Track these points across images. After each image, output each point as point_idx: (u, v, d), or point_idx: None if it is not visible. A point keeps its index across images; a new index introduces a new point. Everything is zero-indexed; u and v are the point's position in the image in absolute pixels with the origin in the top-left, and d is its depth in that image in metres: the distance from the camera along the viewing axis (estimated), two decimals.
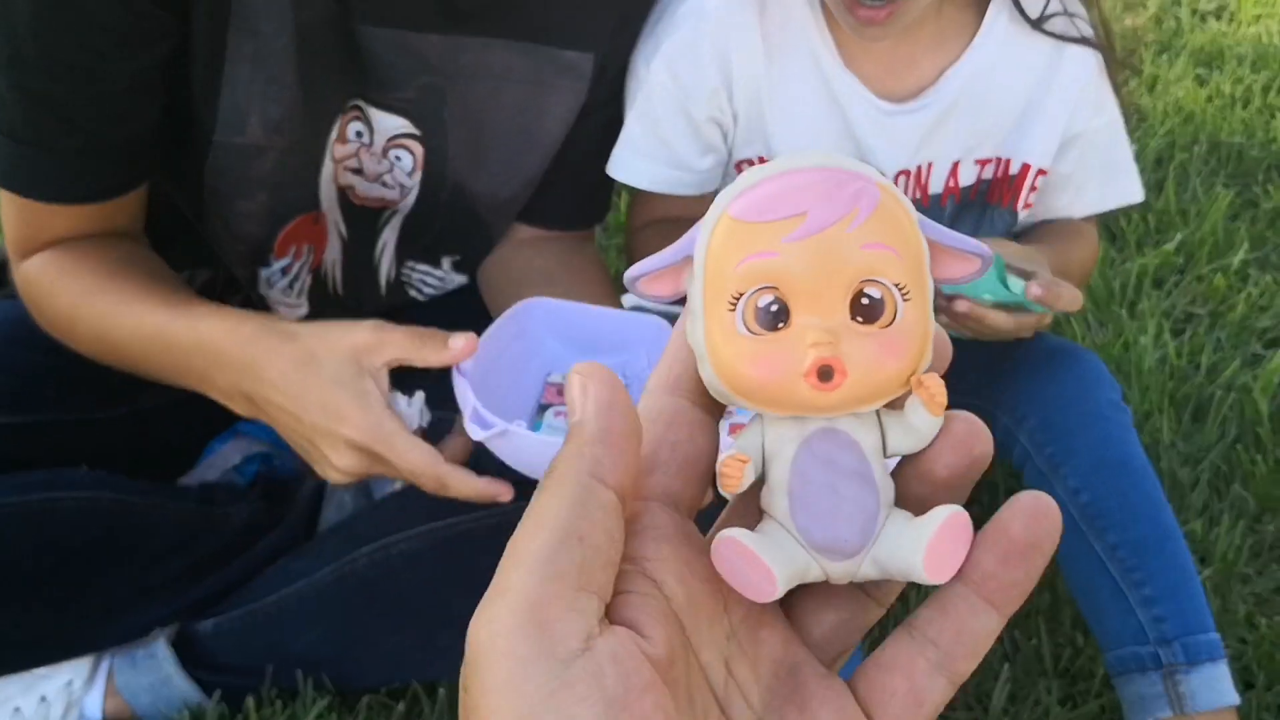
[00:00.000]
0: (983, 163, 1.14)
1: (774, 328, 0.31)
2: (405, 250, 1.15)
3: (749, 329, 0.31)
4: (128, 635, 1.04)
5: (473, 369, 0.90)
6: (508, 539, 1.01)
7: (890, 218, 0.31)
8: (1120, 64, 1.15)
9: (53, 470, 1.03)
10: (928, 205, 1.14)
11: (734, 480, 0.32)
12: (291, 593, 1.05)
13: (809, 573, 0.32)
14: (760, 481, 0.33)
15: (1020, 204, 1.17)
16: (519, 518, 1.06)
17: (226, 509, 1.10)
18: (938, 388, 0.32)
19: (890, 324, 0.31)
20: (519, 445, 0.87)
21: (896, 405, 0.33)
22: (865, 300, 0.31)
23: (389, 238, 1.14)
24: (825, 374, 0.31)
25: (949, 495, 0.33)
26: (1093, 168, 1.18)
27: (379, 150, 1.05)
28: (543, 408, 0.99)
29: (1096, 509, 1.08)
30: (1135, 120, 1.20)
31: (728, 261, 0.31)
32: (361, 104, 1.02)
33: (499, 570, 0.30)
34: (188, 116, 0.96)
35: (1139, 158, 1.41)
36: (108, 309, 0.97)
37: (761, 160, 1.12)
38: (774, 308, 0.31)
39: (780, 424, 0.32)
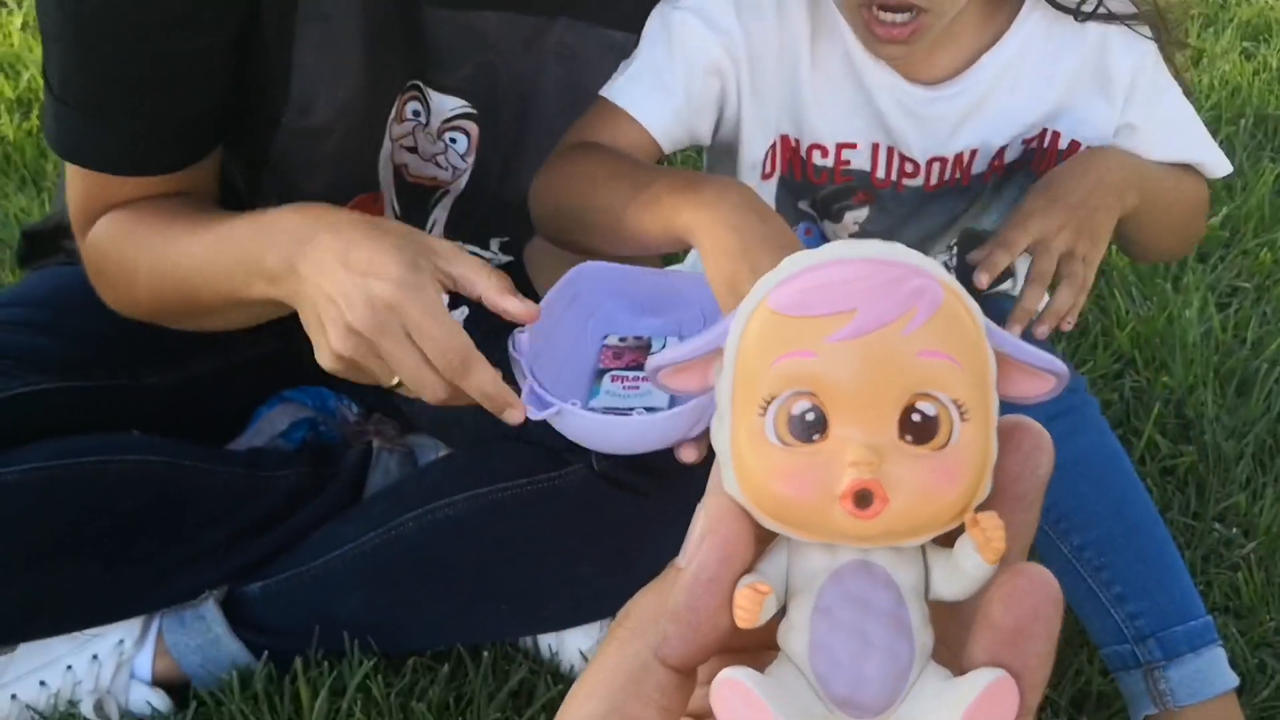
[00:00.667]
0: (1029, 141, 1.10)
1: (809, 439, 0.27)
2: (455, 232, 1.16)
3: (780, 439, 0.27)
4: (177, 597, 1.06)
5: (528, 347, 0.90)
6: (551, 506, 1.02)
7: (953, 322, 0.28)
8: (1171, 40, 1.09)
9: (104, 435, 1.04)
10: (967, 184, 1.12)
11: (751, 615, 0.28)
12: (338, 557, 1.06)
13: None
14: (781, 614, 0.29)
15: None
16: (565, 485, 1.07)
17: (274, 474, 1.11)
18: (995, 530, 0.27)
19: (944, 446, 0.27)
20: (577, 423, 0.88)
21: (945, 540, 0.29)
22: (917, 417, 0.27)
23: (439, 217, 1.15)
24: (864, 499, 0.27)
25: (1001, 506, 0.29)
26: (1167, 150, 1.10)
27: (434, 131, 1.06)
28: (600, 372, 0.99)
29: (1057, 513, 1.06)
30: (1182, 30, 1.16)
31: (761, 359, 0.28)
32: (420, 85, 1.03)
33: None
34: (253, 98, 0.98)
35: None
36: (165, 240, 0.97)
37: (786, 140, 1.09)
38: (810, 416, 0.27)
39: (808, 551, 0.29)
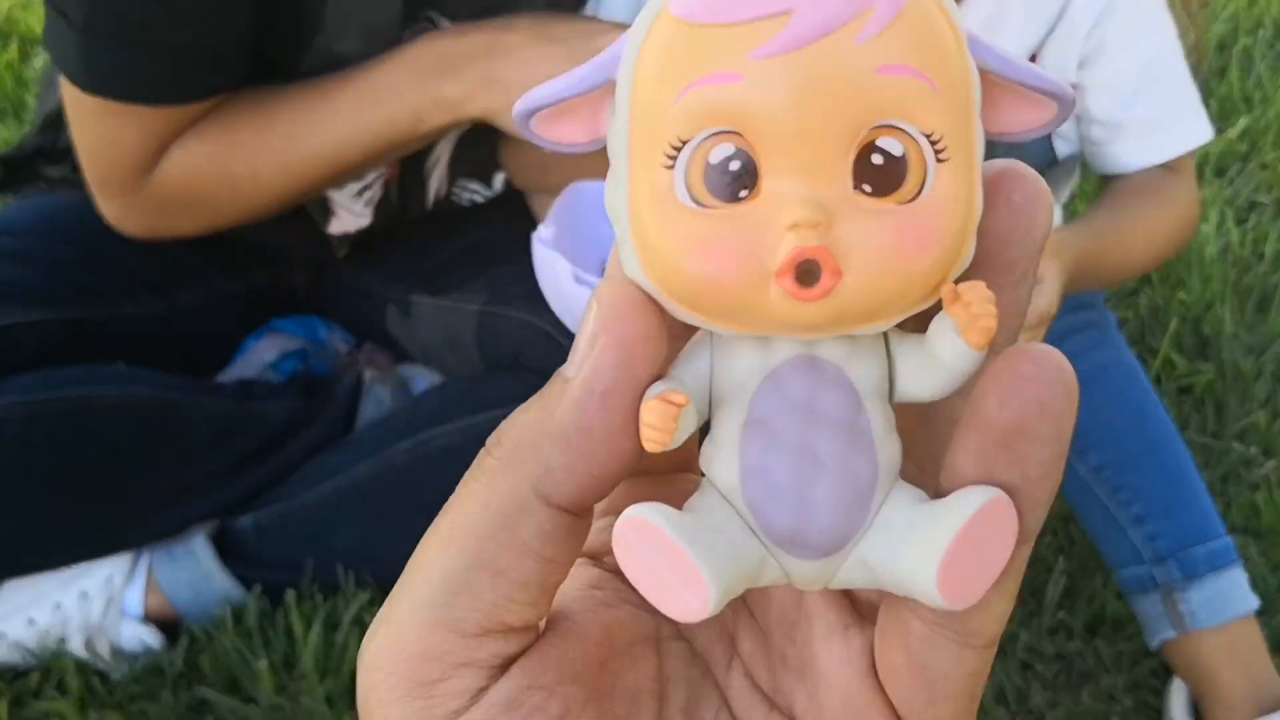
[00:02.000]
0: None
1: (734, 197, 0.20)
2: (459, 167, 1.12)
3: (695, 198, 0.20)
4: (166, 531, 1.03)
5: (553, 238, 0.86)
6: None
7: (925, 26, 0.20)
8: None
9: (87, 366, 1.01)
10: None
11: (662, 434, 0.21)
12: (330, 488, 1.04)
13: (762, 574, 0.22)
14: (704, 431, 0.23)
15: None
16: None
17: (264, 405, 1.08)
18: (983, 305, 0.20)
19: (915, 198, 0.20)
20: None
21: (913, 325, 0.22)
22: (878, 158, 0.20)
23: (442, 153, 1.11)
24: (808, 274, 0.20)
25: (990, 450, 0.21)
26: (1143, 109, 1.04)
27: None
28: None
29: (1076, 430, 1.02)
30: (1199, 3, 1.10)
31: (665, 88, 0.20)
32: (433, 14, 0.99)
33: (397, 586, 0.23)
34: (283, 22, 0.93)
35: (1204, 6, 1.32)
36: (288, 132, 0.93)
37: None
38: (734, 165, 0.20)
39: (737, 347, 0.22)
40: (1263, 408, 1.26)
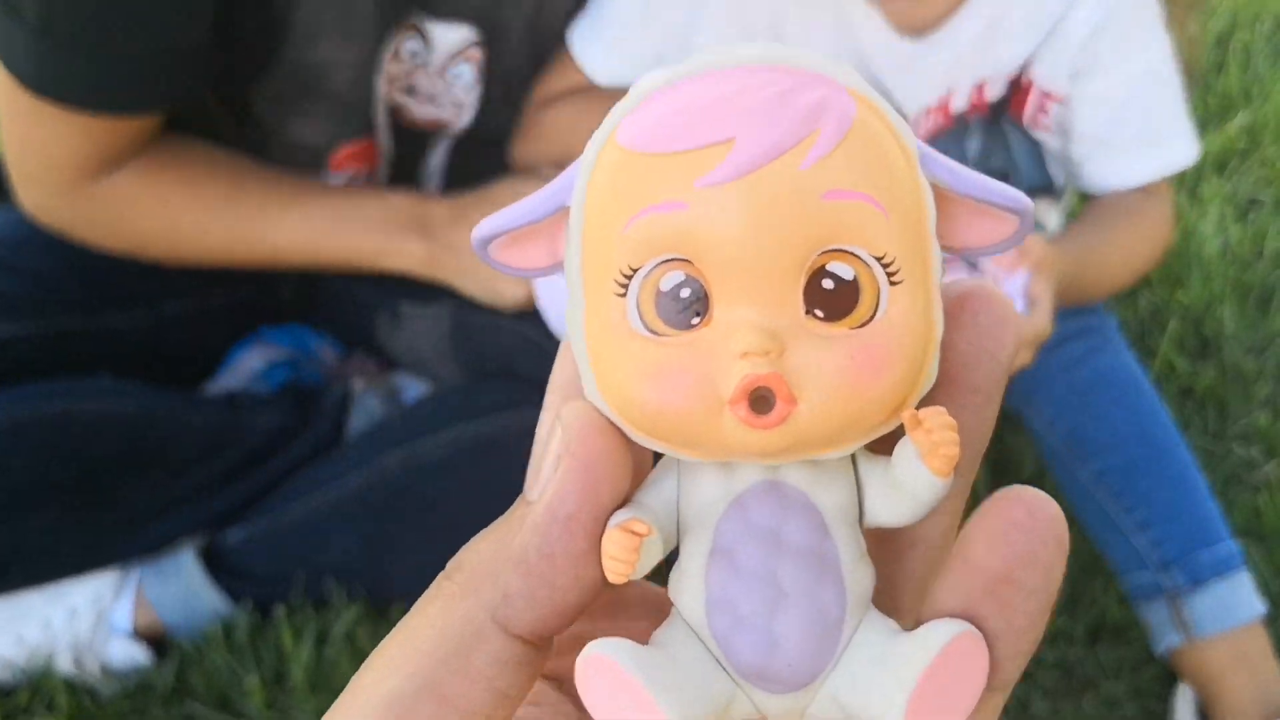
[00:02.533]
0: (1013, 79, 1.04)
1: (687, 324, 0.20)
2: (453, 178, 1.10)
3: (648, 326, 0.20)
4: (154, 545, 1.02)
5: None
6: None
7: (872, 147, 0.20)
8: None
9: (72, 379, 1.00)
10: (951, 126, 1.06)
11: (625, 565, 0.20)
12: (320, 500, 1.02)
13: (732, 710, 0.21)
14: (670, 560, 0.22)
15: (1026, 118, 1.04)
16: None
17: (251, 417, 1.07)
18: (944, 432, 0.20)
19: (869, 321, 0.20)
20: None
21: (882, 446, 0.21)
22: (829, 283, 0.20)
23: (436, 165, 1.10)
24: (761, 402, 0.19)
25: (954, 400, 0.22)
26: (1131, 128, 1.03)
27: (437, 69, 1.00)
28: None
29: (1076, 436, 1.01)
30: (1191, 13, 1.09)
31: (615, 217, 0.20)
32: (419, 20, 0.97)
33: (336, 704, 0.22)
34: (250, 30, 0.91)
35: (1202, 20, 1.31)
36: (260, 209, 0.97)
37: None
38: (685, 292, 0.20)
39: (701, 472, 0.21)
40: (1264, 408, 1.25)
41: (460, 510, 1.00)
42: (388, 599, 1.05)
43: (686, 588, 0.21)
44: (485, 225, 0.22)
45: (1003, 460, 1.19)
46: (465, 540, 0.22)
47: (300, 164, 1.01)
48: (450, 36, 1.00)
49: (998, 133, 1.06)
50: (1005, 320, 0.22)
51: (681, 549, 0.21)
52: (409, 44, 0.99)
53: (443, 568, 0.23)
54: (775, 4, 1.00)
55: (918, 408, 0.20)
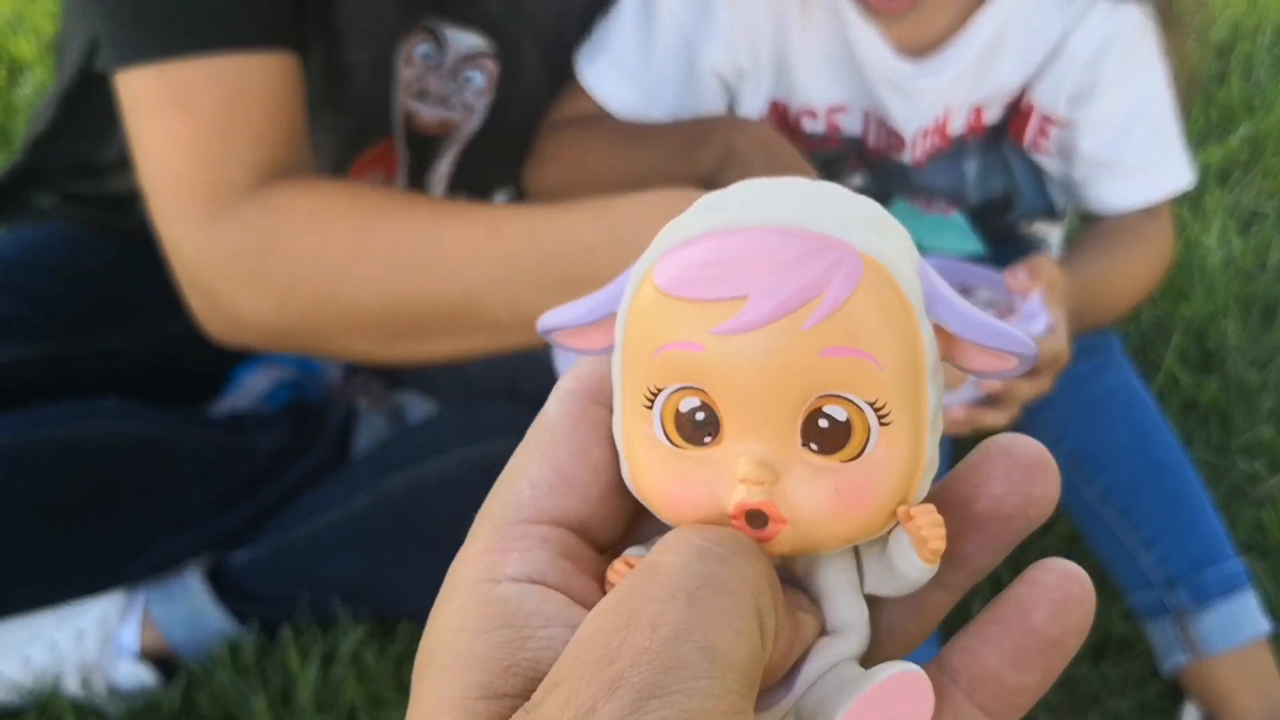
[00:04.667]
0: (1010, 102, 1.04)
1: (700, 441, 0.23)
2: (460, 182, 1.11)
3: (669, 438, 0.24)
4: (160, 566, 1.02)
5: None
6: None
7: (873, 307, 0.23)
8: (1174, 20, 1.02)
9: (75, 402, 1.00)
10: (948, 148, 1.06)
11: None
12: (326, 521, 1.03)
13: None
14: None
15: (1026, 141, 1.05)
16: None
17: (255, 436, 1.07)
18: (932, 529, 0.23)
19: (859, 454, 0.23)
20: None
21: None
22: (824, 422, 0.23)
23: (444, 169, 1.10)
24: (756, 521, 0.23)
25: (989, 543, 0.25)
26: (1132, 151, 1.04)
27: (449, 70, 1.00)
28: None
29: (1081, 454, 1.01)
30: (1195, 12, 1.09)
31: (645, 344, 0.23)
32: (434, 23, 0.97)
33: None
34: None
35: (1200, 47, 1.31)
36: (424, 221, 0.80)
37: (778, 106, 1.04)
38: (700, 416, 0.23)
39: None
40: (1268, 421, 1.25)
41: (464, 530, 1.00)
42: (394, 618, 1.05)
43: None
44: (548, 320, 0.26)
45: None
46: None
47: (325, 171, 0.99)
48: (463, 41, 1.00)
49: (997, 156, 1.07)
50: (1050, 492, 0.25)
51: None
52: (421, 48, 0.99)
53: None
54: (779, 22, 1.00)
55: (915, 505, 0.24)
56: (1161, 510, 0.99)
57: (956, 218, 1.09)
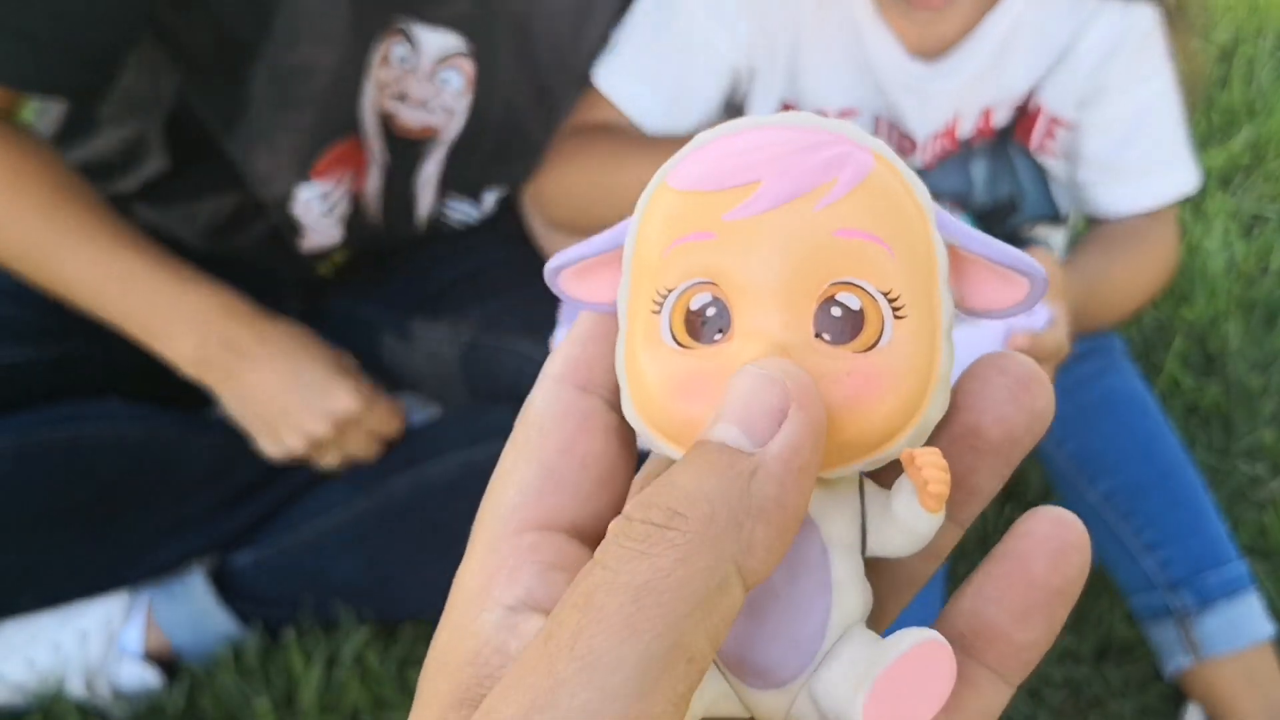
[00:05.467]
0: (1019, 105, 1.04)
1: (710, 339, 0.22)
2: (448, 183, 1.11)
3: (676, 339, 0.23)
4: (163, 568, 1.03)
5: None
6: None
7: (884, 198, 0.22)
8: (1181, 23, 1.01)
9: (78, 404, 1.01)
10: (957, 150, 1.06)
11: None
12: (328, 522, 1.03)
13: (719, 705, 0.23)
14: None
15: (1034, 145, 1.05)
16: None
17: None
18: (936, 472, 0.21)
19: (873, 347, 0.22)
20: None
21: (882, 477, 0.24)
22: (836, 310, 0.22)
23: (431, 170, 1.10)
24: None
25: (999, 467, 0.24)
26: (1138, 154, 1.04)
27: (426, 72, 1.01)
28: None
29: (1083, 457, 1.02)
30: (1200, 15, 1.09)
31: (656, 245, 0.23)
32: (407, 24, 0.97)
33: (566, 668, 0.20)
34: (228, 32, 0.91)
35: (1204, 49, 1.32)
36: (58, 230, 0.92)
37: (788, 108, 1.04)
38: (710, 311, 0.22)
39: None
40: (1269, 425, 1.25)
41: (466, 533, 1.01)
42: (397, 620, 1.05)
43: None
44: (559, 257, 0.25)
45: (1010, 480, 1.19)
46: None
47: (286, 169, 1.00)
48: (437, 42, 0.99)
49: (1004, 158, 1.07)
50: (1051, 402, 0.24)
51: None
52: (397, 50, 0.98)
53: (449, 589, 0.24)
54: (794, 22, 1.00)
55: (921, 446, 0.22)
56: (1164, 513, 0.99)
57: (963, 217, 1.09)
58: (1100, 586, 1.09)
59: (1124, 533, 1.00)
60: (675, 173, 0.23)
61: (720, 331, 0.22)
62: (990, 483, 0.25)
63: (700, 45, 1.00)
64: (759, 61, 1.02)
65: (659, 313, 0.23)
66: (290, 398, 0.98)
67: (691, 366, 0.22)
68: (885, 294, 0.22)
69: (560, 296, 0.25)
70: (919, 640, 0.22)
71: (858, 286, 0.22)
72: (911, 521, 0.23)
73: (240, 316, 0.97)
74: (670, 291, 0.23)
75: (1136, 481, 1.00)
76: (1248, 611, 0.97)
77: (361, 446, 1.01)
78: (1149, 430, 1.03)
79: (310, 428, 0.98)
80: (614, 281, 0.25)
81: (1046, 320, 0.85)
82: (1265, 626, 0.97)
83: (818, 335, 0.22)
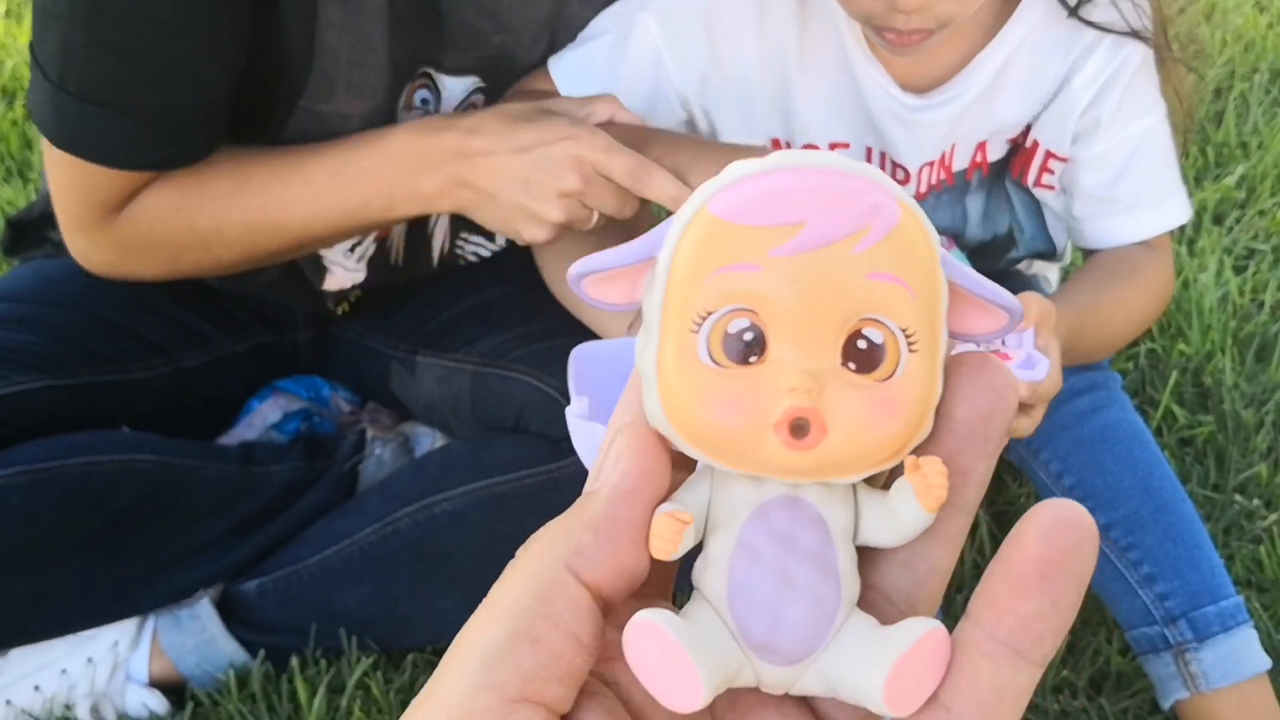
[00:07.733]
0: (1014, 140, 1.06)
1: (745, 361, 0.25)
2: (461, 221, 1.13)
3: (713, 359, 0.25)
4: (171, 596, 1.04)
5: (587, 410, 0.81)
6: (551, 498, 0.96)
7: (908, 246, 0.26)
8: (1172, 59, 1.03)
9: (91, 433, 1.02)
10: (952, 184, 1.08)
11: (670, 545, 0.26)
12: (335, 552, 1.04)
13: (739, 676, 0.26)
14: (698, 550, 0.27)
15: (1030, 180, 1.07)
16: (565, 476, 1.03)
17: (267, 468, 1.09)
18: (937, 476, 0.25)
19: (889, 377, 0.25)
20: None
21: (876, 482, 0.27)
22: (863, 344, 0.25)
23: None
24: (800, 429, 0.25)
25: (971, 448, 0.27)
26: (1131, 188, 1.05)
27: (447, 114, 1.03)
28: None
29: (1082, 491, 1.03)
30: (1193, 51, 1.11)
31: (699, 270, 0.25)
32: (431, 71, 1.00)
33: (440, 664, 0.25)
34: (268, 82, 0.94)
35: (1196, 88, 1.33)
36: (262, 195, 0.95)
37: (777, 144, 1.06)
38: (748, 336, 0.25)
39: (733, 482, 0.27)
40: (1264, 459, 1.26)
41: (471, 563, 1.02)
42: (402, 650, 1.06)
43: (712, 574, 0.26)
44: (582, 264, 0.27)
45: (1009, 513, 1.21)
46: (477, 593, 0.26)
47: None
48: (458, 87, 1.03)
49: (1000, 193, 1.09)
50: (1011, 384, 0.27)
51: (708, 543, 0.27)
52: (420, 93, 1.02)
53: (456, 618, 0.27)
54: (781, 54, 1.02)
55: (918, 455, 0.26)
56: (1162, 547, 1.00)
57: (955, 254, 1.10)
58: (1097, 618, 1.10)
59: (1122, 566, 1.01)
60: (718, 201, 0.26)
61: (755, 355, 0.25)
62: (977, 462, 0.27)
63: (652, 66, 1.03)
64: (713, 92, 1.04)
65: (697, 332, 0.25)
66: (521, 160, 0.90)
67: (725, 384, 0.25)
68: (903, 330, 0.25)
69: (582, 298, 0.28)
70: (926, 629, 0.25)
71: (882, 323, 0.25)
72: (908, 518, 0.26)
73: (437, 129, 0.94)
74: (710, 314, 0.25)
75: (1134, 515, 1.01)
76: (1245, 645, 0.98)
77: (606, 195, 0.90)
78: (1147, 464, 1.04)
79: (558, 184, 0.89)
80: (631, 286, 0.27)
81: (1045, 370, 0.86)
82: (1262, 659, 0.98)
83: (844, 364, 0.25)
